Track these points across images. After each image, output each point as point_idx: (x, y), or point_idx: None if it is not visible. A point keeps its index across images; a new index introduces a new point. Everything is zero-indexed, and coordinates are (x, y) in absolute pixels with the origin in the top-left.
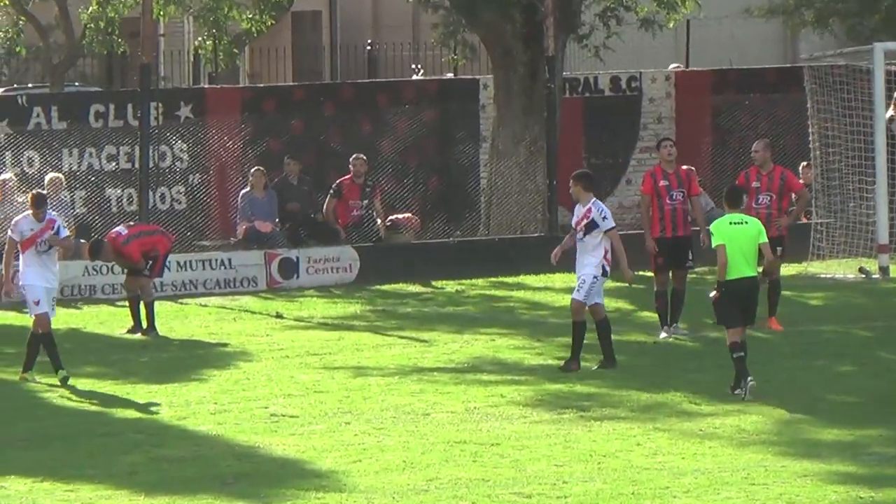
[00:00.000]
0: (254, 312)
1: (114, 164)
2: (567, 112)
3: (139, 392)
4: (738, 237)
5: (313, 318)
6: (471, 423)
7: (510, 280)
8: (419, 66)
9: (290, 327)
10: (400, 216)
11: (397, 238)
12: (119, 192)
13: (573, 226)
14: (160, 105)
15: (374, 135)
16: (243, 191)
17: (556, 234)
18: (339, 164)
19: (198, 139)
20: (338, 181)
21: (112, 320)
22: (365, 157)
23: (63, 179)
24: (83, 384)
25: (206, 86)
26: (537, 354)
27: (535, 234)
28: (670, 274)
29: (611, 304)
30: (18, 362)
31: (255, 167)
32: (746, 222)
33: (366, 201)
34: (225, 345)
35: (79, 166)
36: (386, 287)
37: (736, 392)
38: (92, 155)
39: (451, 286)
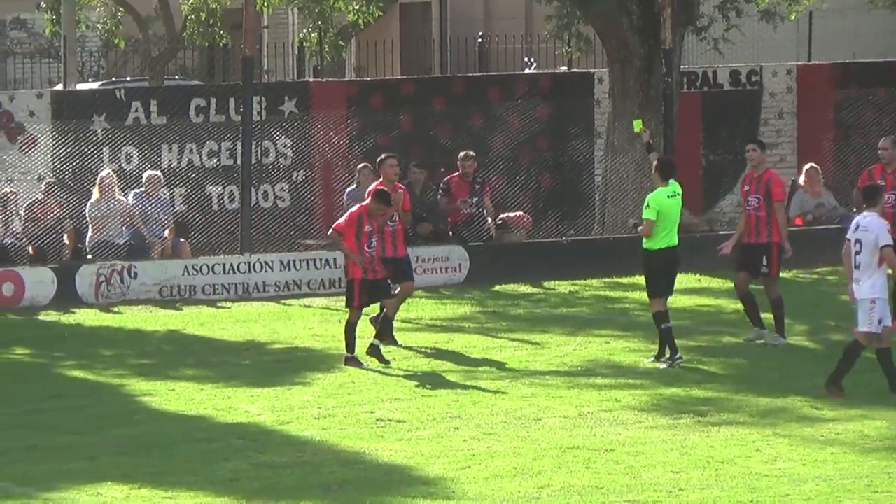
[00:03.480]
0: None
1: (215, 160)
2: (685, 107)
3: (240, 396)
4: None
5: (421, 319)
6: (584, 429)
7: (625, 281)
8: (532, 60)
9: (398, 329)
10: (511, 214)
11: (508, 237)
12: (220, 189)
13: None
14: (263, 99)
15: (484, 130)
16: (349, 188)
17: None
18: (448, 160)
19: (302, 134)
20: (446, 178)
21: (213, 322)
22: (475, 154)
23: (162, 177)
24: (182, 388)
25: (311, 79)
26: (654, 357)
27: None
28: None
29: (720, 303)
30: (117, 364)
31: (362, 163)
32: None
33: (475, 199)
34: (329, 347)
35: (178, 162)
36: (496, 288)
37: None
38: (192, 151)
39: (563, 287)
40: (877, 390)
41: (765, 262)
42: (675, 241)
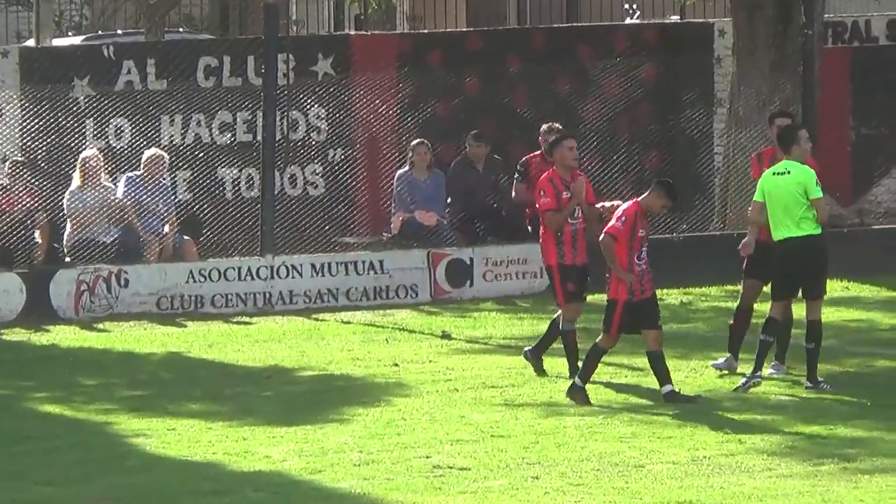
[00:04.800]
0: (413, 331)
1: (229, 135)
2: (830, 66)
3: (260, 437)
4: None
5: (491, 338)
6: (699, 478)
7: (724, 291)
8: (634, 7)
9: (461, 351)
10: (608, 204)
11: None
12: (236, 172)
13: None
14: (291, 58)
15: (573, 97)
16: (400, 171)
17: None
18: (527, 135)
19: (340, 103)
20: (524, 159)
21: (225, 342)
22: (561, 127)
23: (166, 158)
24: (186, 427)
25: (352, 32)
26: (789, 387)
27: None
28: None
29: (873, 317)
30: (103, 396)
31: (417, 140)
32: None
33: None
34: (374, 374)
35: (182, 139)
36: (587, 298)
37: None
38: (200, 124)
39: (674, 296)
40: None
41: None
42: (794, 232)
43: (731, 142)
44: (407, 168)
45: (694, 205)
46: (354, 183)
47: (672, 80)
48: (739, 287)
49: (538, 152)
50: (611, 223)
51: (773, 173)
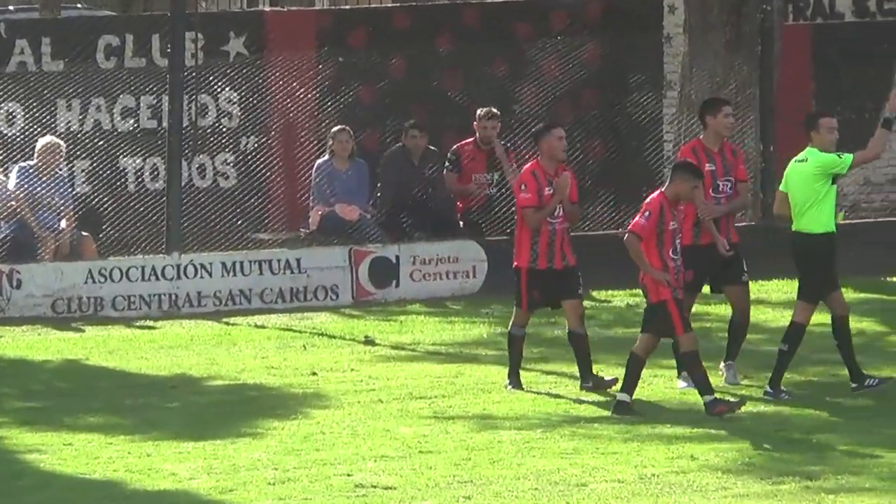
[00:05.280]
0: (333, 337)
1: (132, 121)
2: (790, 46)
3: (165, 452)
4: None
5: (419, 344)
6: (647, 498)
7: (706, 289)
8: None
9: (386, 358)
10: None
11: None
12: (139, 162)
13: None
14: (199, 36)
15: (509, 80)
16: (319, 161)
17: (773, 223)
18: (460, 121)
19: (254, 86)
20: (455, 147)
21: (127, 348)
22: (497, 112)
23: (63, 146)
24: (84, 442)
25: (267, 9)
26: (741, 397)
27: (744, 223)
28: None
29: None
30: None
31: (338, 127)
32: None
33: (496, 175)
34: (291, 384)
35: (81, 125)
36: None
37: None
38: (100, 109)
39: (620, 298)
40: None
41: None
42: (811, 227)
43: (683, 128)
44: (327, 157)
45: (641, 197)
46: (269, 174)
47: (618, 61)
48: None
49: (470, 139)
50: (636, 219)
51: (796, 161)
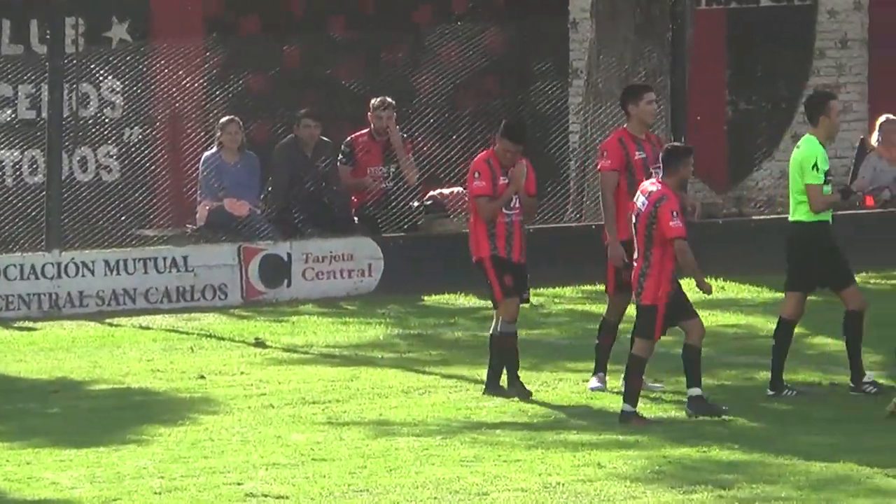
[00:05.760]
0: (221, 338)
1: (9, 112)
2: (703, 31)
3: (46, 460)
4: None
5: (312, 346)
6: None
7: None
8: None
9: (278, 361)
10: (445, 191)
11: (441, 225)
12: (17, 155)
13: None
14: (80, 22)
15: (407, 67)
16: (207, 153)
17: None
18: (355, 111)
19: (138, 74)
20: (349, 138)
21: (5, 350)
22: (392, 102)
23: None
24: None
25: None
26: (653, 401)
27: None
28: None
29: (753, 322)
30: None
31: (227, 117)
32: None
33: (393, 168)
34: (178, 388)
35: None
36: (424, 300)
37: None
38: None
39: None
40: None
41: None
42: (794, 215)
43: (589, 118)
44: (215, 150)
45: (546, 191)
46: (154, 167)
47: (521, 48)
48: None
49: (365, 130)
50: (671, 223)
51: (797, 146)
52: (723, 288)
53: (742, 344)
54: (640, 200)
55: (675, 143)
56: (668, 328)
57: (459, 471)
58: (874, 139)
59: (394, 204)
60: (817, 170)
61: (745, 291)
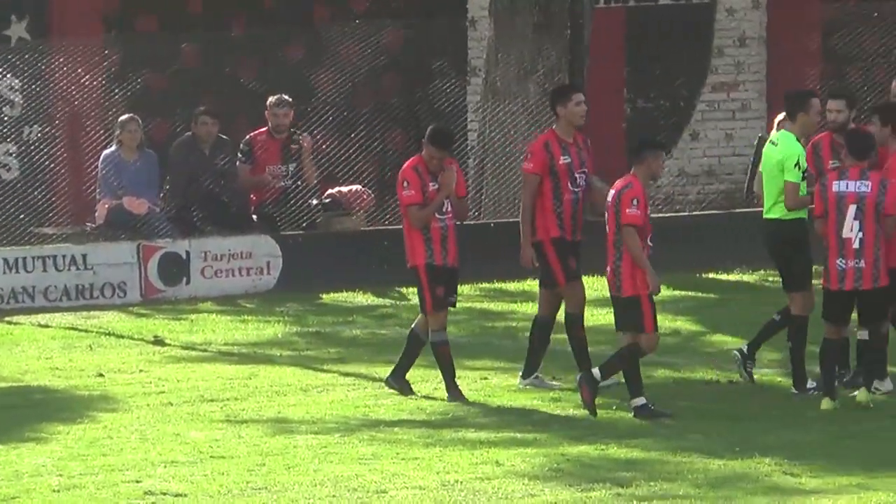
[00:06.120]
0: (121, 336)
1: None
2: (601, 29)
3: None
4: None
5: (211, 344)
6: None
7: (512, 287)
8: None
9: (176, 359)
10: (344, 189)
11: (340, 223)
12: None
13: None
14: None
15: (306, 65)
16: (106, 151)
17: (585, 217)
18: (254, 110)
19: (37, 72)
20: (248, 137)
21: None
22: (291, 100)
23: None
24: None
25: None
26: (553, 400)
27: None
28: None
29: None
30: None
31: (126, 115)
32: None
33: (292, 167)
34: (77, 386)
35: None
36: (323, 297)
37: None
38: None
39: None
40: (880, 445)
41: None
42: (771, 213)
43: (488, 117)
44: (114, 148)
45: None
46: (53, 165)
47: (419, 46)
48: (501, 285)
49: (264, 129)
50: (628, 210)
51: (770, 142)
52: None
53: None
54: (610, 194)
55: (648, 136)
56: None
57: (358, 468)
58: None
59: (292, 202)
60: (798, 168)
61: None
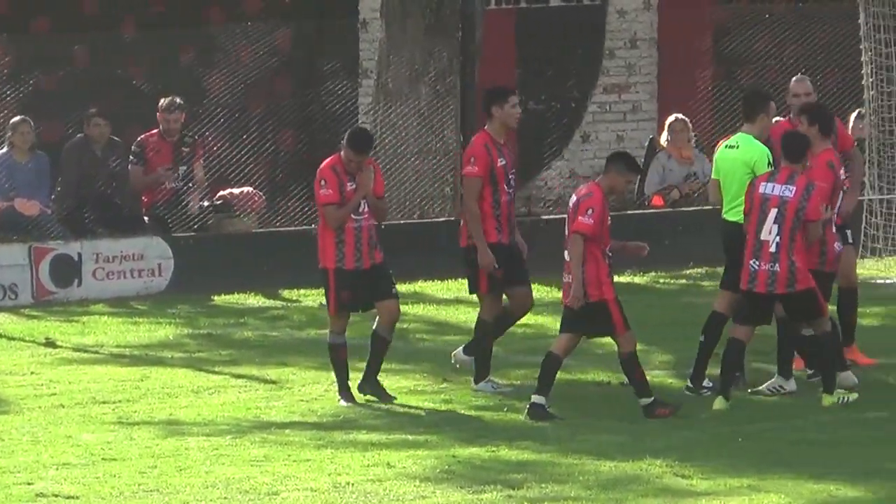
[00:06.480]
0: (11, 338)
1: None
2: (493, 31)
3: None
4: None
5: (103, 346)
6: None
7: (403, 288)
8: None
9: (68, 361)
10: (235, 191)
11: (231, 224)
12: None
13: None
14: None
15: (198, 67)
16: None
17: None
18: (146, 112)
19: None
20: (140, 138)
21: None
22: (182, 103)
23: None
24: None
25: None
26: (445, 402)
27: (442, 219)
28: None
29: (542, 322)
30: None
31: (18, 117)
32: None
33: (183, 168)
34: None
35: None
36: (214, 299)
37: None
38: None
39: (312, 297)
40: (772, 446)
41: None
42: (731, 215)
43: (379, 118)
44: (5, 149)
45: None
46: None
47: (311, 48)
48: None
49: (155, 131)
50: (581, 217)
51: (726, 146)
52: None
53: (532, 344)
54: (572, 199)
55: (625, 152)
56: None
57: (249, 470)
58: (663, 139)
59: (184, 203)
60: (771, 166)
61: (535, 291)
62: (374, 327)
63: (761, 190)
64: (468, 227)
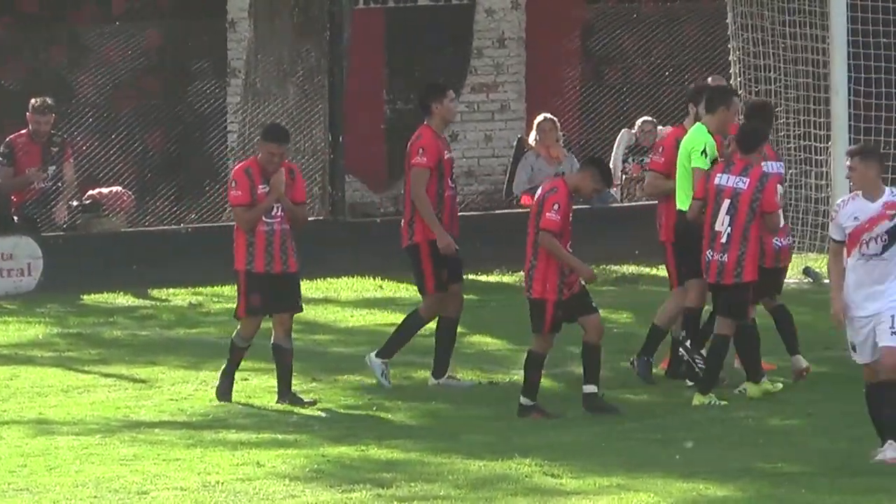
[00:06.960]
0: None
1: None
2: (361, 30)
3: None
4: None
5: None
6: None
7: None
8: None
9: None
10: (104, 190)
11: (99, 223)
12: None
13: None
14: None
15: (67, 67)
16: None
17: (343, 219)
18: (15, 112)
19: None
20: (8, 139)
21: None
22: (51, 102)
23: None
24: None
25: None
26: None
27: (311, 218)
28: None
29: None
30: None
31: None
32: None
33: (52, 168)
34: None
35: None
36: (84, 299)
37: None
38: None
39: (181, 297)
40: (641, 445)
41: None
42: (684, 204)
43: (248, 118)
44: None
45: (205, 191)
46: None
47: (179, 48)
48: None
49: (24, 131)
50: (548, 214)
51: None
52: (381, 287)
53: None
54: (537, 193)
55: (598, 158)
56: (563, 323)
57: (119, 469)
58: (532, 138)
59: (53, 203)
60: (705, 155)
61: (404, 290)
62: (272, 341)
63: (716, 181)
64: (421, 217)
